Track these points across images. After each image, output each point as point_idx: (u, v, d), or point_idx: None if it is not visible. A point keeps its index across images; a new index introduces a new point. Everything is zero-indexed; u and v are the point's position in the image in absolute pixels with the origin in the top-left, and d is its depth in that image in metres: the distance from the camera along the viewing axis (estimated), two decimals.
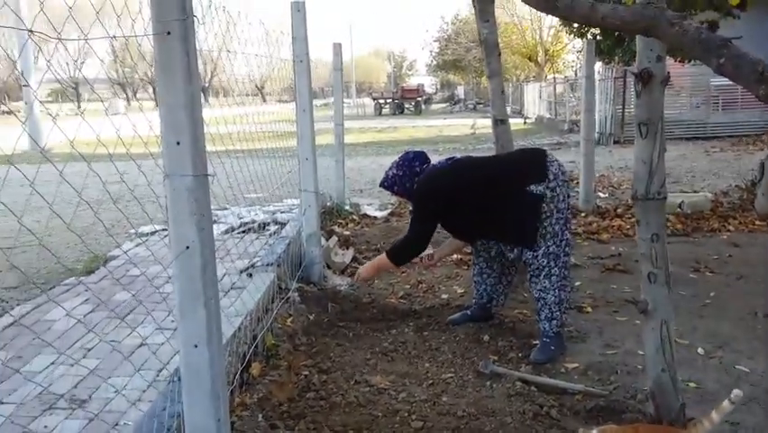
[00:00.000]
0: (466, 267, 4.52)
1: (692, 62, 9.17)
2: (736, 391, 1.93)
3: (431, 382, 2.92)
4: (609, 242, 5.40)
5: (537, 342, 3.26)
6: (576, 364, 3.09)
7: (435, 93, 54.37)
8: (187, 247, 1.84)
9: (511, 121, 5.08)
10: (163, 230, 5.45)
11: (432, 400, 2.72)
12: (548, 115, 22.34)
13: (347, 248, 5.22)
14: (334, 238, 5.29)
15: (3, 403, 2.64)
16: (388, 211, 6.93)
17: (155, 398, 2.35)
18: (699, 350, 3.18)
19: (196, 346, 1.90)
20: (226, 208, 6.32)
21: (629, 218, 5.88)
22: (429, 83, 54.10)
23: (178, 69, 1.74)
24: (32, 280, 4.47)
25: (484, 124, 15.37)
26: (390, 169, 3.56)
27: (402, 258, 3.52)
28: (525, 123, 24.21)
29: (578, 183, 6.93)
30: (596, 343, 3.34)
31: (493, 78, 4.67)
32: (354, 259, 5.00)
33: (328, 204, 6.59)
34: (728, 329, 3.42)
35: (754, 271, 4.39)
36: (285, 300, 3.62)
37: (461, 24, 42.42)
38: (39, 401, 2.67)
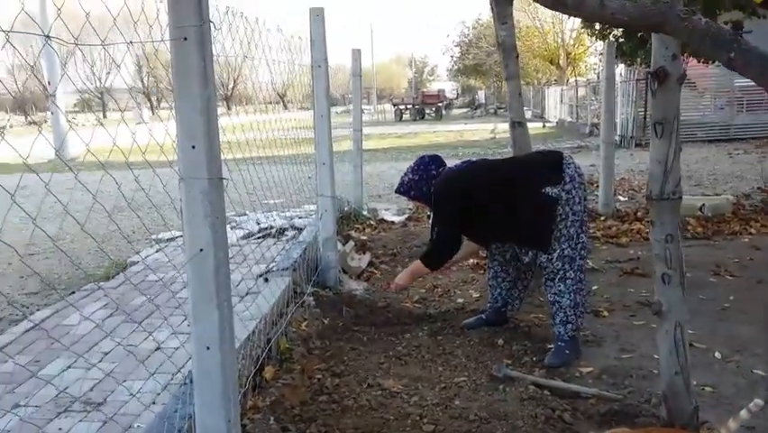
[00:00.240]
0: (482, 271, 4.50)
1: (716, 63, 9.06)
2: (756, 401, 1.90)
3: (443, 385, 2.91)
4: (628, 245, 5.35)
5: (552, 346, 3.24)
6: (591, 369, 3.06)
7: (456, 98, 54.28)
8: (201, 250, 1.87)
9: (530, 125, 5.06)
10: (181, 236, 5.51)
11: (444, 403, 2.72)
12: (569, 119, 22.20)
13: (363, 253, 5.23)
14: (351, 243, 5.31)
15: (20, 406, 2.69)
16: (406, 216, 6.93)
17: (168, 400, 2.38)
18: (717, 354, 3.13)
19: (208, 348, 1.92)
20: (245, 214, 6.37)
21: (649, 222, 5.81)
22: (450, 88, 54.06)
23: (195, 74, 1.77)
24: (53, 286, 4.55)
25: (504, 129, 15.35)
26: (406, 174, 3.56)
27: (436, 262, 3.49)
28: (543, 126, 24.08)
29: (597, 187, 6.87)
30: (611, 347, 3.31)
31: (511, 80, 4.65)
32: (370, 264, 5.01)
33: (346, 209, 6.62)
34: (747, 333, 3.37)
35: None
36: (300, 304, 3.64)
37: (483, 28, 42.35)
38: (54, 404, 2.71)
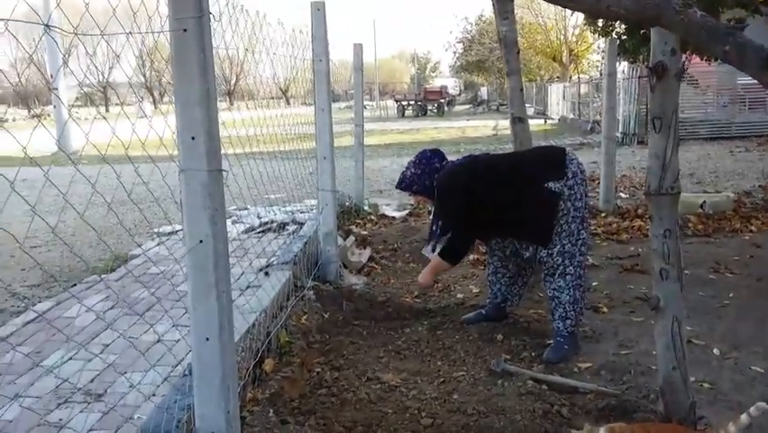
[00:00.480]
0: (482, 267, 4.51)
1: (719, 61, 9.05)
2: (759, 405, 1.91)
3: (442, 380, 2.92)
4: (629, 242, 5.35)
5: (551, 341, 3.25)
6: (589, 364, 3.07)
7: (459, 94, 54.19)
8: (201, 241, 1.88)
9: (531, 122, 5.06)
10: (182, 230, 5.52)
11: (442, 397, 2.73)
12: (571, 116, 22.18)
13: (364, 248, 5.24)
14: (352, 238, 5.32)
15: (21, 396, 2.70)
16: (407, 212, 6.94)
17: (168, 392, 2.39)
18: (715, 351, 3.14)
19: (207, 340, 1.94)
20: (246, 209, 6.38)
21: (649, 218, 5.81)
22: (452, 84, 53.92)
23: (194, 66, 1.78)
24: (55, 278, 4.56)
25: (506, 126, 15.34)
26: (408, 169, 3.54)
27: (455, 256, 3.45)
28: (545, 122, 24.05)
29: (598, 183, 6.87)
30: (610, 343, 3.32)
31: (512, 75, 4.65)
32: (371, 258, 5.02)
33: (347, 204, 6.63)
34: (746, 330, 3.38)
35: None
36: (300, 298, 3.66)
37: (485, 25, 42.25)
38: (55, 395, 2.72)
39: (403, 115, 35.77)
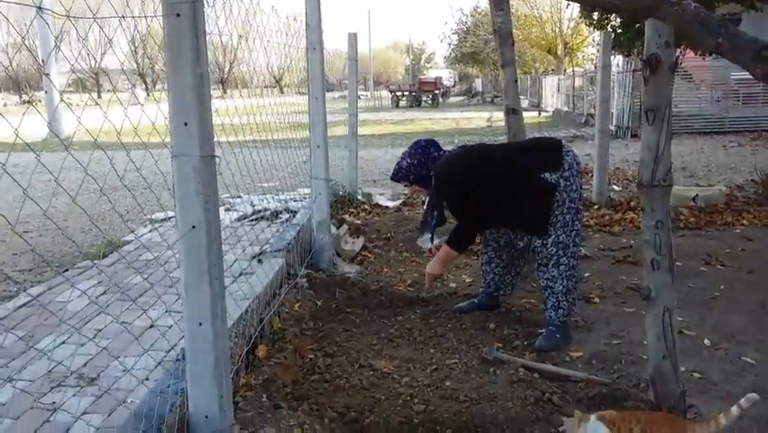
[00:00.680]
0: (475, 257, 4.52)
1: (713, 55, 9.08)
2: (749, 396, 1.93)
3: (435, 367, 2.94)
4: (621, 234, 5.38)
5: (543, 330, 3.27)
6: (581, 353, 3.09)
7: (454, 86, 54.19)
8: (194, 227, 1.88)
9: (525, 114, 5.07)
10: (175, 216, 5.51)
11: (435, 384, 2.74)
12: (566, 108, 22.20)
13: (357, 237, 5.25)
14: (345, 227, 5.32)
15: (14, 379, 2.70)
16: (400, 201, 6.95)
17: (161, 376, 2.40)
18: (706, 341, 3.17)
19: (200, 325, 1.94)
20: (239, 197, 6.37)
21: (642, 210, 5.84)
22: (447, 76, 53.89)
23: (187, 51, 1.77)
24: (47, 262, 4.55)
25: (500, 117, 15.37)
26: (403, 159, 3.53)
27: (463, 243, 3.43)
28: (539, 115, 24.07)
29: (591, 176, 6.89)
30: (602, 333, 3.34)
31: (507, 67, 4.65)
32: (364, 247, 5.03)
33: (341, 193, 6.63)
34: (736, 321, 3.41)
35: (766, 265, 4.36)
36: (293, 286, 3.66)
37: (480, 16, 42.16)
38: (48, 378, 2.72)
39: (397, 105, 35.72)
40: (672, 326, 2.20)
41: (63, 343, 3.09)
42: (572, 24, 34.87)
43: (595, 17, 10.46)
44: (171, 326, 3.04)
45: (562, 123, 19.95)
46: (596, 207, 6.32)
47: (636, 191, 7.00)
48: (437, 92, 37.01)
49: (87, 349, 2.98)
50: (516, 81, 4.73)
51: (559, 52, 36.25)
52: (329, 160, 4.46)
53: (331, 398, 2.62)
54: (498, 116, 17.20)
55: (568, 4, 32.68)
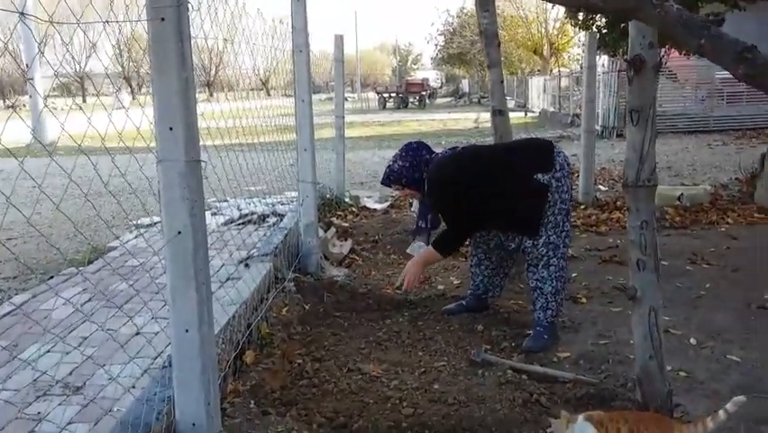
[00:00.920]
0: (463, 259, 4.53)
1: (697, 55, 9.15)
2: (736, 399, 1.93)
3: (423, 370, 2.93)
4: (607, 234, 5.41)
5: (531, 331, 3.27)
6: (568, 354, 3.10)
7: (441, 87, 54.29)
8: (179, 232, 1.87)
9: (512, 114, 5.08)
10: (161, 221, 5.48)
11: (423, 387, 2.74)
12: (552, 109, 22.31)
13: (345, 240, 5.24)
14: (333, 230, 5.31)
15: None
16: (388, 204, 6.95)
17: (147, 384, 2.38)
18: (692, 340, 3.18)
19: (187, 331, 1.93)
20: (226, 201, 6.34)
21: (627, 210, 5.87)
22: (434, 77, 54.03)
23: (172, 56, 1.77)
24: (31, 270, 4.50)
25: (487, 118, 15.42)
26: (394, 162, 3.51)
27: (451, 247, 3.44)
28: (525, 115, 24.16)
29: (578, 176, 6.93)
30: (589, 333, 3.35)
31: (493, 68, 4.65)
32: (352, 250, 5.02)
33: (328, 196, 6.62)
34: (722, 320, 3.43)
35: (751, 263, 4.39)
36: (281, 290, 3.65)
37: (467, 17, 42.29)
38: (33, 388, 2.70)
39: (384, 107, 35.75)
40: (659, 325, 2.21)
41: (48, 352, 3.07)
42: (558, 25, 35.10)
43: (580, 18, 10.53)
44: (158, 332, 3.02)
45: (548, 123, 20.04)
46: (582, 206, 6.35)
47: (622, 191, 7.06)
48: (424, 93, 37.05)
49: (73, 358, 2.95)
50: (503, 82, 4.74)
51: (545, 53, 36.44)
52: (316, 162, 4.45)
53: (319, 403, 2.61)
54: (486, 117, 17.17)
55: (554, 5, 32.82)
